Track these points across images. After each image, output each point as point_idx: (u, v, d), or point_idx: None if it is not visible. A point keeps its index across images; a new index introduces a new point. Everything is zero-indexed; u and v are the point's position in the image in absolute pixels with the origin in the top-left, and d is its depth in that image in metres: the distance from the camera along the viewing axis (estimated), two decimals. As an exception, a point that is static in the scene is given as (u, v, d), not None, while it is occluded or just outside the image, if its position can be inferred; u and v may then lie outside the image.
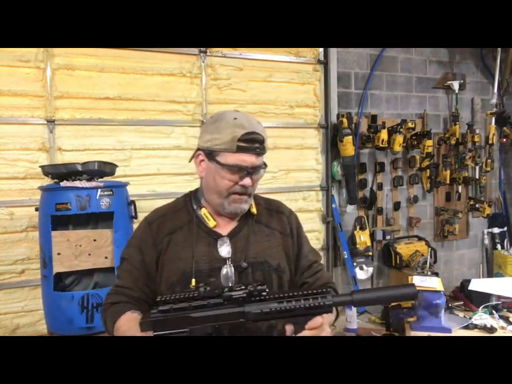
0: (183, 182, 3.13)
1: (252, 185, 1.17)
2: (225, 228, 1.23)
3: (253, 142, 1.13)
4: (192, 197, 1.28)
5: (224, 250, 1.18)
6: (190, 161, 1.27)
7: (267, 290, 0.96)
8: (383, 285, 3.92)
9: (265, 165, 1.20)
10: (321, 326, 0.96)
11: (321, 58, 3.64)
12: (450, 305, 2.08)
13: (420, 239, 3.96)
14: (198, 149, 1.21)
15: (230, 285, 1.11)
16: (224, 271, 1.15)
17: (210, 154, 1.16)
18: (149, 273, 1.20)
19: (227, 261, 1.16)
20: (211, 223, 1.20)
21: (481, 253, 4.47)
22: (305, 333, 0.96)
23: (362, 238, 3.70)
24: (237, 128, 1.12)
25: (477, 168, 4.21)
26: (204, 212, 1.22)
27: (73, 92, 2.85)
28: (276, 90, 3.49)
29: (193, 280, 1.11)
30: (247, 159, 1.13)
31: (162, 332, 0.95)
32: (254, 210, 1.25)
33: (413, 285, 0.99)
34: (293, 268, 1.27)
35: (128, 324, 1.07)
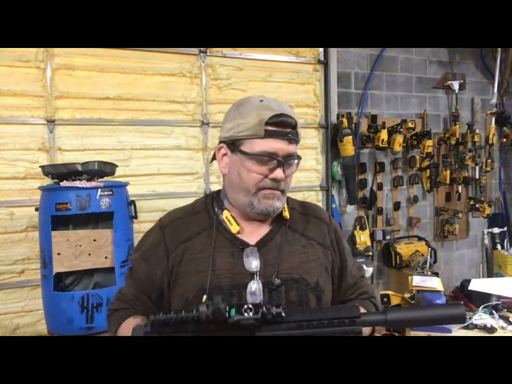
0: (183, 182, 3.14)
1: (284, 179, 0.98)
2: (253, 235, 1.03)
3: (283, 126, 0.96)
4: (214, 198, 1.10)
5: (251, 262, 0.98)
6: (211, 161, 1.09)
7: (284, 314, 0.79)
8: (383, 285, 3.92)
9: (298, 156, 1.01)
10: None
11: (321, 58, 3.64)
12: (450, 305, 2.08)
13: (419, 239, 3.96)
14: (220, 142, 1.04)
15: None
16: (250, 288, 0.95)
17: (234, 145, 0.98)
18: (155, 286, 1.04)
19: (254, 276, 0.97)
20: (233, 228, 1.01)
21: (481, 253, 4.47)
22: None
23: (362, 238, 3.70)
24: (264, 111, 0.95)
25: (477, 168, 4.22)
26: (226, 214, 1.03)
27: (73, 92, 2.85)
28: (276, 90, 3.48)
29: (205, 296, 0.89)
30: (278, 145, 0.95)
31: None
32: (286, 214, 1.06)
33: (460, 304, 0.85)
34: (336, 287, 1.09)
35: (128, 330, 1.00)
